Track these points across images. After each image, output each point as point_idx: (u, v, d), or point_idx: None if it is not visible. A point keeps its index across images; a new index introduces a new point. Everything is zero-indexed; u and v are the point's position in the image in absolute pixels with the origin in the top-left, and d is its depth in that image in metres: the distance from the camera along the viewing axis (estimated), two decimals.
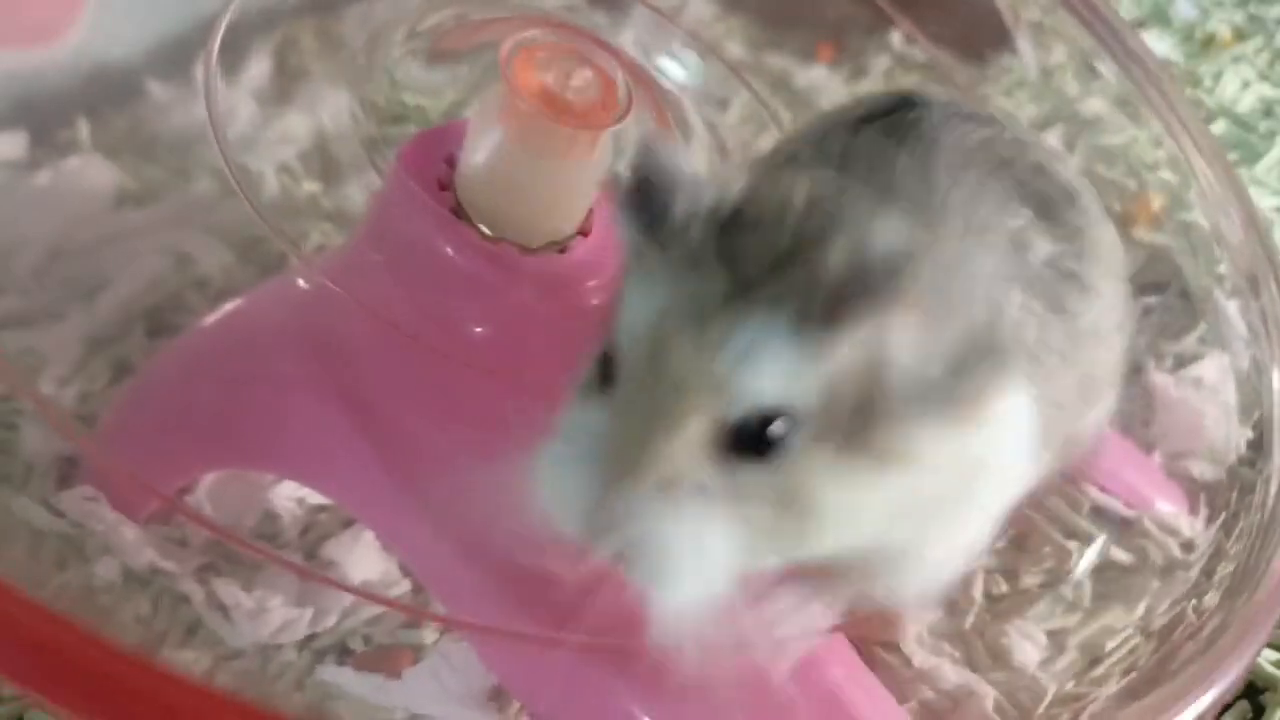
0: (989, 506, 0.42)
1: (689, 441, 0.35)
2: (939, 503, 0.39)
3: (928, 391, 0.36)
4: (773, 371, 0.35)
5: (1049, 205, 0.44)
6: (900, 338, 0.35)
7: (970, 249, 0.40)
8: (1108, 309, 0.46)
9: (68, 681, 0.36)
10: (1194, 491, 0.61)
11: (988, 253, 0.41)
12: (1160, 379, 0.65)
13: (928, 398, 0.36)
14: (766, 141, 0.73)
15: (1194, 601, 0.53)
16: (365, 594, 0.51)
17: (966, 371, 0.37)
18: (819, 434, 0.35)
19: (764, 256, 0.35)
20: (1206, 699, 0.46)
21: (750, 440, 0.35)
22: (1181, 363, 0.66)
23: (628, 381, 0.36)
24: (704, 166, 0.60)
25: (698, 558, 0.35)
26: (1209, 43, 0.93)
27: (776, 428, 0.35)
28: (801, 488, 0.36)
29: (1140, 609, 0.55)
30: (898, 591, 0.44)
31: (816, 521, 0.36)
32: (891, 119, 0.45)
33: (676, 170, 0.37)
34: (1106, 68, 0.72)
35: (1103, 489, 0.59)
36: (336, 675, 0.49)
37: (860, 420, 0.36)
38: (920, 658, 0.52)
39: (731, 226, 0.36)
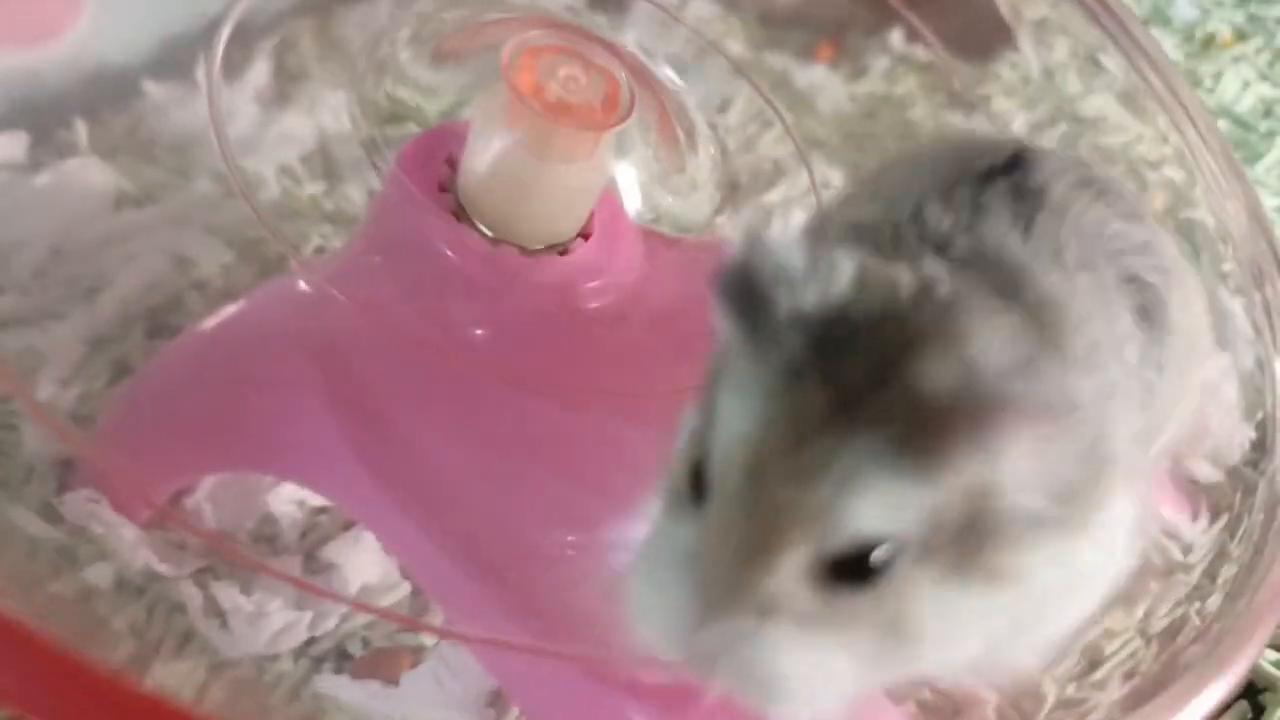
0: (1091, 605, 0.41)
1: (788, 570, 0.33)
2: (1043, 611, 0.38)
3: (1041, 511, 0.35)
4: (875, 501, 0.33)
5: (1149, 309, 0.44)
6: (1012, 462, 0.34)
7: (1084, 359, 0.39)
8: (1181, 392, 0.47)
9: (56, 704, 0.36)
10: (1197, 493, 0.60)
11: (1099, 363, 0.40)
12: None
13: (1041, 517, 0.35)
14: (769, 140, 0.74)
15: (1197, 604, 0.53)
16: (361, 605, 0.51)
17: (1081, 488, 0.36)
18: (923, 558, 0.34)
19: (867, 368, 0.33)
20: (1209, 701, 0.46)
21: (851, 568, 0.34)
22: None
23: (722, 501, 0.34)
24: (707, 166, 0.60)
25: (805, 685, 0.34)
26: (1209, 43, 0.92)
27: (879, 555, 0.33)
28: (906, 613, 0.34)
29: (1140, 612, 0.55)
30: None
31: (921, 645, 0.35)
32: (1015, 182, 0.44)
33: (782, 263, 0.35)
34: (1112, 62, 0.72)
35: None
36: (333, 685, 0.49)
37: (967, 543, 0.34)
38: None
39: (835, 330, 0.34)
